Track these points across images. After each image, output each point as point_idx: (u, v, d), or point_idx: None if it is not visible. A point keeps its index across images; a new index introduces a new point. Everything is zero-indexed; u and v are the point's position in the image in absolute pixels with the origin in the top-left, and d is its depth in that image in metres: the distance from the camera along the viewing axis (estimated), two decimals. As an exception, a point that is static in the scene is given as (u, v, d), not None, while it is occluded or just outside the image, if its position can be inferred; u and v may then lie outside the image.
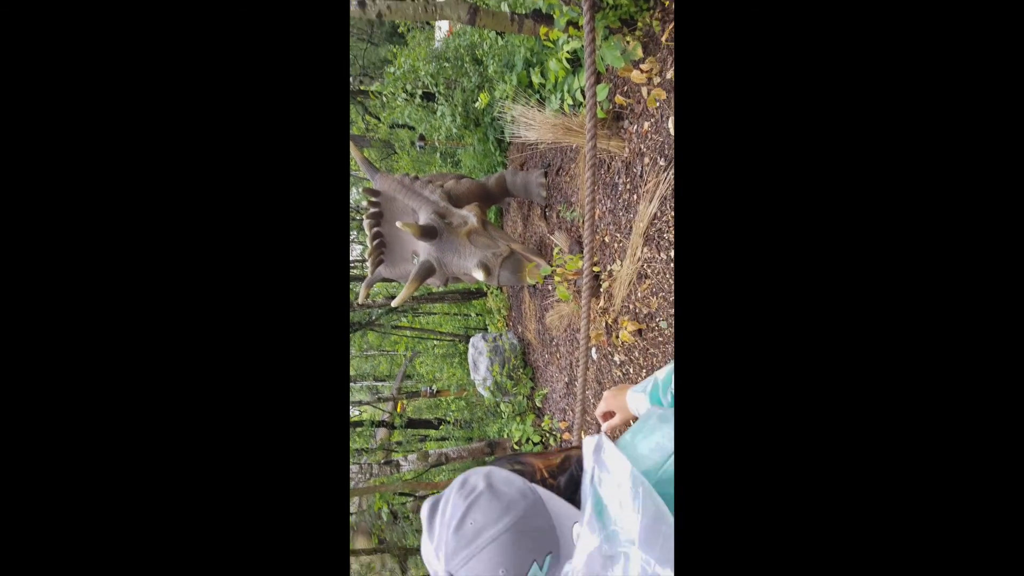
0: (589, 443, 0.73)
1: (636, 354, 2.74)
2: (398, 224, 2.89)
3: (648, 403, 0.95)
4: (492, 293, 5.77)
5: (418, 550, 5.55)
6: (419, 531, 6.10)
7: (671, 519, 0.60)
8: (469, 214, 3.13)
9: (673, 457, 0.67)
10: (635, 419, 1.15)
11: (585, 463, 0.73)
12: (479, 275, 2.99)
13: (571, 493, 0.75)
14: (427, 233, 2.99)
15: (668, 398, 0.91)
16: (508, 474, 0.73)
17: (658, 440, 0.72)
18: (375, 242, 3.43)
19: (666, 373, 0.92)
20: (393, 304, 3.31)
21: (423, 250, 3.15)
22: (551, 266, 3.28)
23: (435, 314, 7.64)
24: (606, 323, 2.95)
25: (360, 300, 3.52)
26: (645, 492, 0.62)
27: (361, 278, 6.81)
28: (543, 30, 2.88)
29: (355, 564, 5.62)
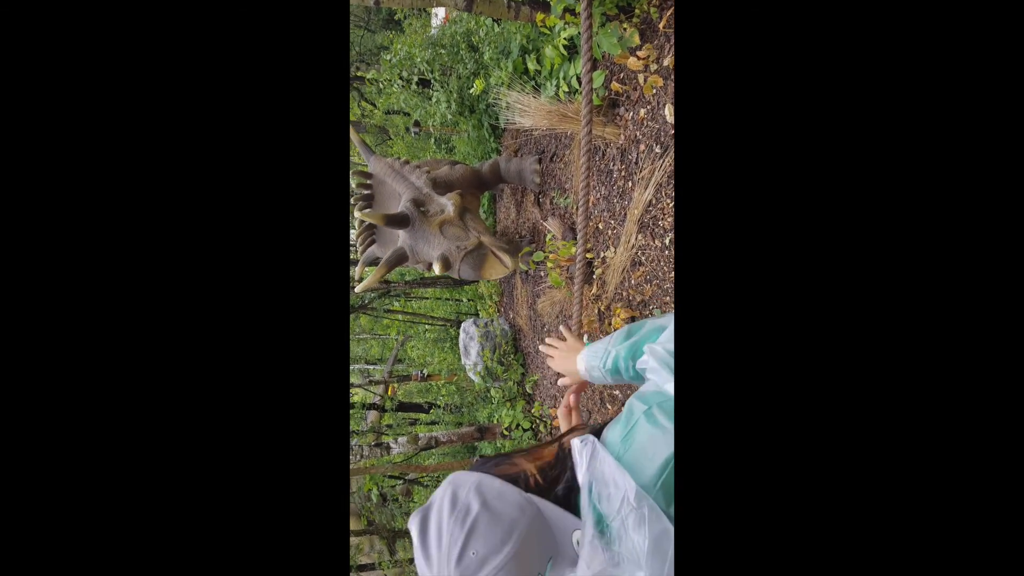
0: (581, 448, 0.71)
1: (626, 340, 2.77)
2: (357, 212, 2.90)
3: (608, 378, 0.92)
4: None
5: (406, 532, 5.60)
6: (407, 513, 6.14)
7: (673, 533, 0.60)
8: (448, 203, 3.12)
9: (672, 465, 0.64)
10: (585, 384, 1.10)
11: (579, 474, 0.70)
12: (437, 268, 2.99)
13: (567, 501, 0.72)
14: (393, 222, 2.99)
15: (631, 371, 0.88)
16: (500, 486, 0.69)
17: (650, 448, 0.68)
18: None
19: (627, 347, 0.88)
20: (357, 290, 3.31)
21: (400, 237, 3.17)
22: (543, 252, 3.30)
23: (427, 299, 7.64)
24: (599, 310, 2.99)
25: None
26: (651, 511, 0.62)
27: (352, 262, 6.81)
28: (540, 17, 2.89)
29: (344, 545, 5.67)
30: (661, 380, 0.73)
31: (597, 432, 0.77)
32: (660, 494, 0.64)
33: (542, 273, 3.93)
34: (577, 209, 1.70)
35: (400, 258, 3.17)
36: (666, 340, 0.78)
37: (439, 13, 7.05)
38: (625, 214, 2.65)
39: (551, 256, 3.29)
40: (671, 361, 0.73)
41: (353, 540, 5.74)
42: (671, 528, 0.61)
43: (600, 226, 2.97)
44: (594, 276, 3.01)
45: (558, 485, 0.72)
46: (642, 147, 2.50)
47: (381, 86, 5.31)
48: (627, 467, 0.67)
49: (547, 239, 3.55)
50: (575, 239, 3.30)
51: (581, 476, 0.70)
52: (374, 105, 6.62)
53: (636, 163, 2.55)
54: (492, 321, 5.21)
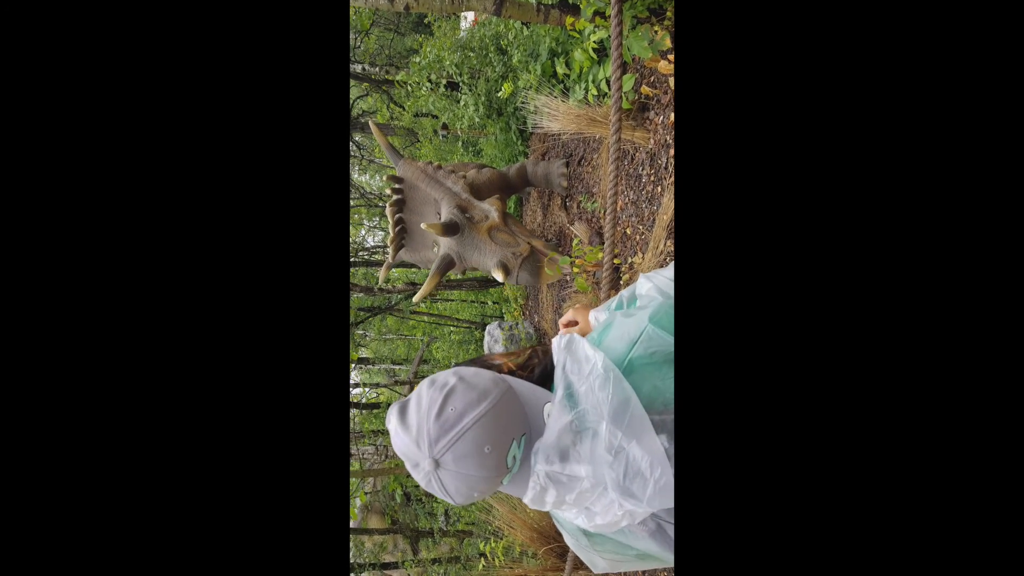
0: (559, 340, 0.76)
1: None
2: (423, 226, 2.97)
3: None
4: (510, 282, 5.80)
5: (429, 532, 5.62)
6: (431, 513, 6.16)
7: (637, 401, 0.66)
8: (491, 208, 3.15)
9: (638, 343, 0.71)
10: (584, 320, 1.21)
11: (556, 357, 0.75)
12: (499, 276, 3.05)
13: (542, 381, 0.81)
14: (449, 230, 3.04)
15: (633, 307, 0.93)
16: (476, 369, 0.76)
17: (620, 332, 0.74)
18: (397, 228, 3.48)
19: (630, 292, 0.94)
20: (415, 300, 3.37)
21: (444, 243, 3.19)
22: (569, 257, 3.28)
23: (452, 300, 7.69)
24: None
25: (380, 281, 3.56)
26: (615, 378, 0.67)
27: (380, 263, 6.87)
28: (569, 20, 2.87)
29: (368, 543, 5.71)
30: (644, 289, 0.84)
31: None
32: (626, 369, 0.70)
33: (568, 277, 3.91)
34: (605, 214, 1.68)
35: (448, 265, 3.22)
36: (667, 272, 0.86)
37: (468, 16, 7.08)
38: (654, 219, 2.62)
39: (577, 261, 3.27)
40: (669, 287, 0.82)
41: (378, 539, 5.78)
42: (633, 394, 0.66)
43: (628, 231, 2.94)
44: (621, 282, 2.98)
45: (533, 373, 0.82)
46: (672, 151, 2.47)
47: (410, 89, 5.34)
48: (602, 350, 0.72)
49: (574, 243, 3.53)
50: (602, 244, 3.27)
51: (557, 358, 0.75)
52: (402, 108, 6.67)
53: (666, 168, 2.52)
54: (517, 324, 5.20)
